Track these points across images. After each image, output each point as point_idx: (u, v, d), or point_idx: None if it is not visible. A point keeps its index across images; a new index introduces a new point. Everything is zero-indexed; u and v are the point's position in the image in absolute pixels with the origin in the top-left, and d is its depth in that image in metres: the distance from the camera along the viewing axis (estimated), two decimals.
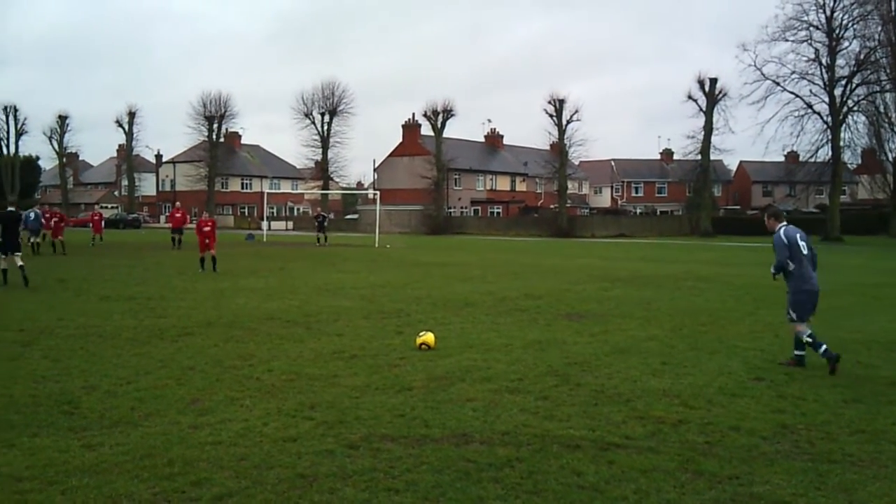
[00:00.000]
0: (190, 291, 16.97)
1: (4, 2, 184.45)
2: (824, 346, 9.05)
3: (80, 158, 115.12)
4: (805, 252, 9.37)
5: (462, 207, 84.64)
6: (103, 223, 39.49)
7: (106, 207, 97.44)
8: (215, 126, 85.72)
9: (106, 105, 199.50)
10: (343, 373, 8.74)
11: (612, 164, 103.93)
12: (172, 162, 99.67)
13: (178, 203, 40.12)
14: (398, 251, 36.73)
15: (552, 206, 78.57)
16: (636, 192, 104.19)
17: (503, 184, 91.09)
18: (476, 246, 44.94)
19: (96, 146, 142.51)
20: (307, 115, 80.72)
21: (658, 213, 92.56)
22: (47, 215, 33.11)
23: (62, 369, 8.76)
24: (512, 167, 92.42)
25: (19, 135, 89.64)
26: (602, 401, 7.57)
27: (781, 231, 9.50)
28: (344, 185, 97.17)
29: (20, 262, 18.08)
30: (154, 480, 5.20)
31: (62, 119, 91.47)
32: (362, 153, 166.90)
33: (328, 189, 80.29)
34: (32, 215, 29.93)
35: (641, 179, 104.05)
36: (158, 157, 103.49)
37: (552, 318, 13.51)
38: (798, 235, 9.46)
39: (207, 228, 23.02)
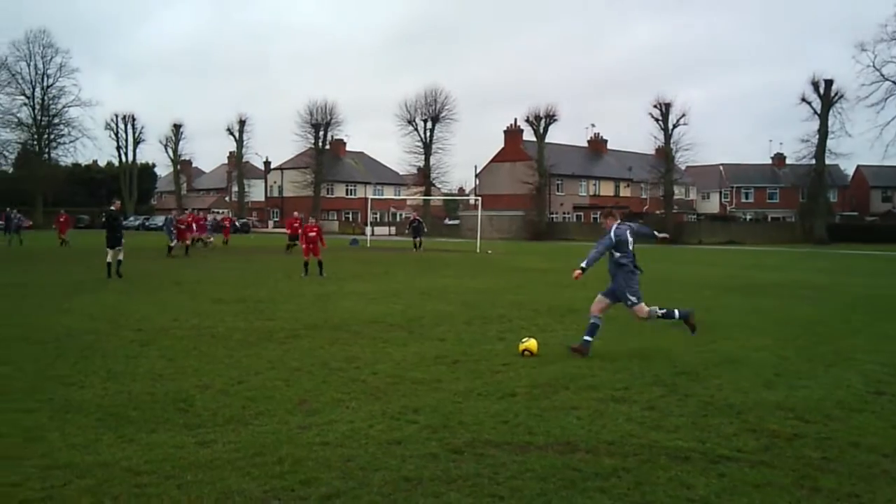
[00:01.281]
0: (297, 295, 17.39)
1: (135, 20, 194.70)
2: (676, 312, 10.93)
3: (193, 165, 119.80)
4: (631, 247, 10.78)
5: (564, 213, 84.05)
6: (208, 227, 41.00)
7: (217, 212, 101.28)
8: (321, 133, 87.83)
9: (218, 114, 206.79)
10: (446, 377, 8.78)
11: (721, 168, 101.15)
12: (280, 168, 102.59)
13: (296, 213, 41.15)
14: (499, 257, 36.73)
15: (658, 212, 77.08)
16: (746, 198, 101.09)
17: (607, 189, 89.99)
18: (579, 252, 44.23)
19: (208, 153, 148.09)
20: (410, 121, 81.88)
21: (769, 219, 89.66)
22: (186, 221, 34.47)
23: (177, 368, 9.10)
24: (616, 172, 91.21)
25: (137, 143, 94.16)
26: (711, 412, 7.35)
27: (614, 228, 10.71)
28: (445, 191, 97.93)
29: (120, 257, 21.28)
30: (265, 478, 5.34)
31: (176, 128, 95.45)
32: (464, 159, 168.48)
33: (430, 195, 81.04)
34: (165, 219, 32.78)
35: (752, 184, 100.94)
36: (267, 163, 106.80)
37: (658, 326, 13.20)
38: (628, 232, 10.80)
39: (312, 234, 23.34)
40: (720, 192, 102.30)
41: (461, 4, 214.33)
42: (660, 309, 10.85)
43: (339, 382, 8.43)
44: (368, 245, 48.59)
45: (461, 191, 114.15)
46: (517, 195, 76.38)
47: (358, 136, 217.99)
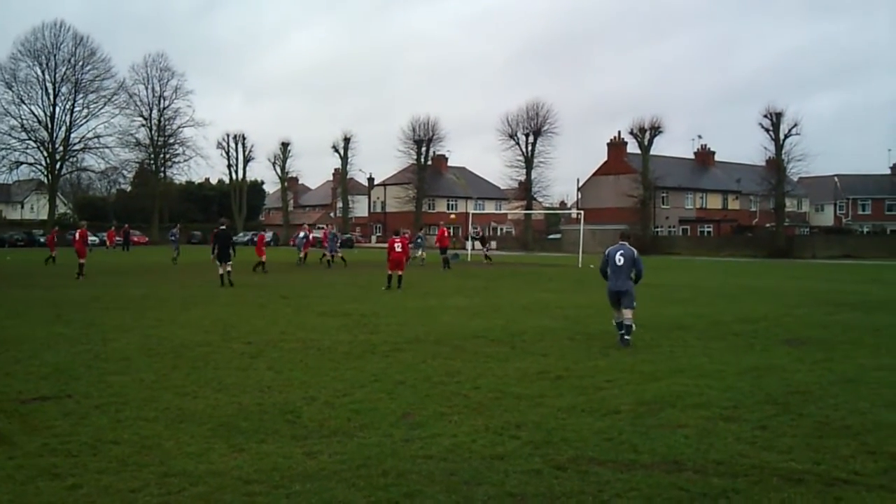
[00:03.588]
0: (399, 309, 17.59)
1: (266, 42, 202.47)
2: (623, 330, 12.55)
3: (300, 182, 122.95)
4: (619, 264, 12.66)
5: (670, 227, 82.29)
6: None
7: (322, 227, 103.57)
8: (423, 149, 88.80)
9: (326, 132, 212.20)
10: (549, 393, 8.71)
11: (836, 179, 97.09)
12: (383, 184, 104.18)
13: (441, 223, 41.86)
14: None
15: (768, 225, 74.55)
16: (863, 210, 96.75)
17: (714, 202, 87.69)
18: (685, 266, 43.46)
19: (314, 171, 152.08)
20: (512, 136, 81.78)
21: (888, 231, 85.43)
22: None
23: (285, 380, 9.34)
24: (724, 184, 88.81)
25: (247, 161, 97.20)
26: (827, 433, 7.05)
27: (607, 252, 13.06)
28: (547, 205, 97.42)
29: (228, 269, 24.04)
30: (370, 490, 5.42)
31: (284, 146, 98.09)
32: (566, 172, 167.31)
33: (531, 209, 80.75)
34: (301, 235, 37.87)
35: (869, 196, 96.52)
36: (370, 180, 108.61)
37: (770, 343, 12.78)
38: (618, 253, 12.77)
39: (399, 248, 23.27)
40: (835, 204, 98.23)
41: (579, 23, 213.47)
42: (616, 320, 12.94)
43: (441, 396, 8.48)
44: (469, 259, 48.72)
45: (563, 204, 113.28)
46: (621, 208, 75.24)
47: (463, 151, 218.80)
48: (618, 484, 5.61)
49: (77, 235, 29.25)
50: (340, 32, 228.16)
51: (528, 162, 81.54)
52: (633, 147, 79.06)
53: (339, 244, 36.77)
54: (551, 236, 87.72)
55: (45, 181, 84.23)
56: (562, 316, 16.44)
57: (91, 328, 13.92)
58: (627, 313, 12.47)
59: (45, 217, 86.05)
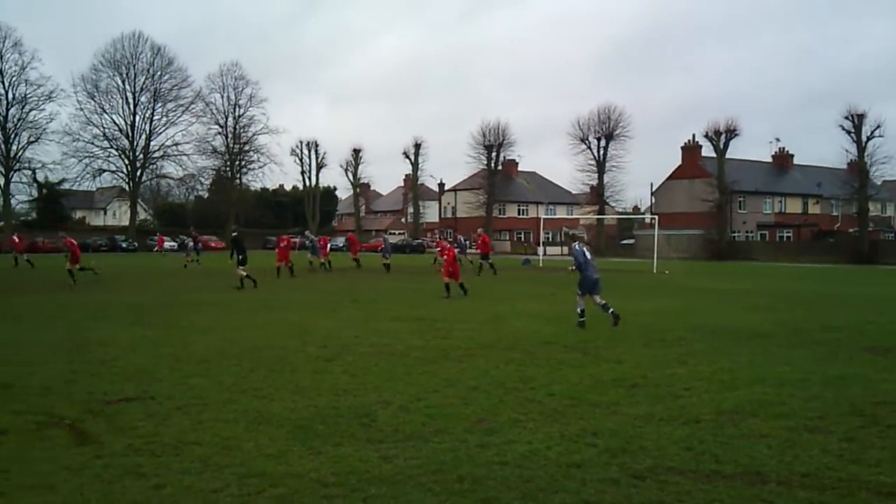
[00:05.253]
0: (471, 314, 17.58)
1: (343, 51, 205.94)
2: (584, 318, 15.32)
3: (372, 188, 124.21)
4: (589, 258, 15.55)
5: (747, 232, 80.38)
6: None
7: (393, 233, 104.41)
8: (493, 154, 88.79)
9: (397, 138, 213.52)
10: (624, 401, 8.59)
11: None
12: (454, 190, 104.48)
13: (480, 230, 41.92)
14: (677, 277, 35.61)
15: (851, 230, 72.20)
16: None
17: (793, 206, 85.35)
18: (763, 272, 42.41)
19: (386, 176, 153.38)
20: (583, 140, 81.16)
21: None
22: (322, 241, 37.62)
23: (359, 384, 9.42)
24: (803, 188, 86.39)
25: (319, 168, 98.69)
26: None
27: (576, 246, 15.74)
28: (619, 210, 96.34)
29: (245, 273, 25.52)
30: (446, 495, 5.41)
31: (356, 152, 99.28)
32: (639, 177, 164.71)
33: (603, 214, 79.95)
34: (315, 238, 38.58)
35: None
36: (441, 185, 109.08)
37: (854, 352, 12.36)
38: (584, 250, 15.61)
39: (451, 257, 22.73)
40: None
41: (657, 26, 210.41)
42: (580, 307, 15.55)
43: (515, 402, 8.44)
44: (541, 265, 48.46)
45: (636, 209, 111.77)
46: (696, 213, 73.89)
47: (534, 156, 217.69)
48: (699, 494, 5.49)
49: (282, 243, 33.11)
50: (421, 37, 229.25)
51: (600, 166, 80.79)
52: (707, 150, 77.63)
53: (389, 251, 36.89)
54: (624, 241, 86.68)
55: (127, 188, 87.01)
56: (636, 323, 16.18)
57: (171, 331, 14.29)
58: (599, 297, 15.54)
59: (126, 223, 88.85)
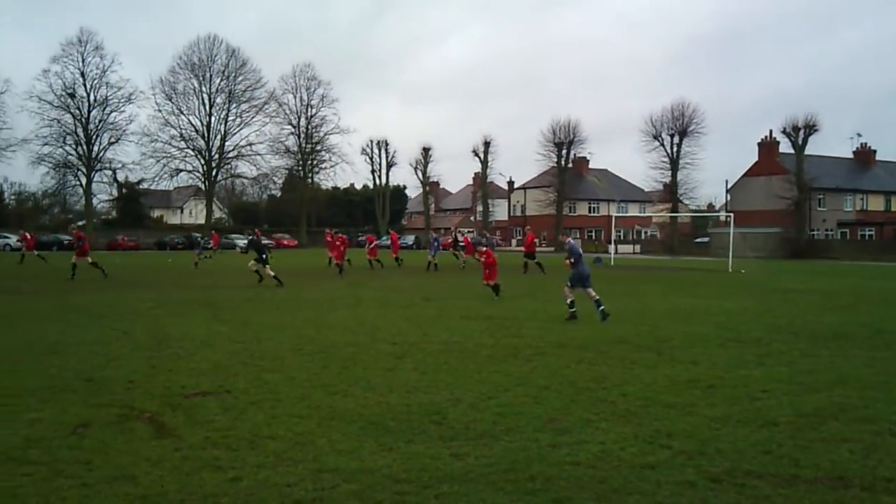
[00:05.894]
0: (541, 313, 17.47)
1: (416, 51, 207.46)
2: (574, 308, 16.25)
3: (441, 187, 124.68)
4: (581, 254, 16.67)
5: (827, 230, 78.03)
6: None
7: (462, 232, 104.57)
8: (564, 152, 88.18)
9: (467, 136, 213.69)
10: (700, 402, 8.41)
11: None
12: (523, 188, 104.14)
13: (527, 228, 41.68)
14: (754, 276, 34.75)
15: None
16: None
17: (876, 203, 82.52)
18: (844, 272, 41.08)
19: (455, 175, 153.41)
20: (656, 136, 79.94)
21: None
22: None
23: (430, 382, 9.44)
24: (887, 185, 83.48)
25: (389, 166, 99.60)
26: None
27: (570, 241, 17.70)
28: (693, 208, 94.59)
29: (272, 273, 25.64)
30: (517, 494, 5.38)
31: (426, 150, 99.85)
32: (714, 174, 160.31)
33: (677, 212, 78.64)
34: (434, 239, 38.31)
35: None
36: (510, 183, 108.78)
37: None
38: (577, 244, 17.35)
39: (491, 260, 21.74)
40: None
41: (736, 21, 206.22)
42: (569, 299, 16.49)
43: (587, 402, 8.34)
44: (612, 263, 47.91)
45: (710, 207, 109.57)
46: (773, 211, 72.10)
47: (606, 153, 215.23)
48: (778, 499, 5.34)
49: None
50: (495, 35, 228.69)
51: (674, 163, 79.43)
52: (785, 147, 75.58)
53: (437, 250, 36.67)
54: (698, 240, 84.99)
55: (203, 187, 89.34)
56: (711, 322, 15.86)
57: (246, 327, 14.56)
58: (592, 291, 16.34)
59: (202, 221, 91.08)
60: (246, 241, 37.41)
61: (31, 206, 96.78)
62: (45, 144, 77.61)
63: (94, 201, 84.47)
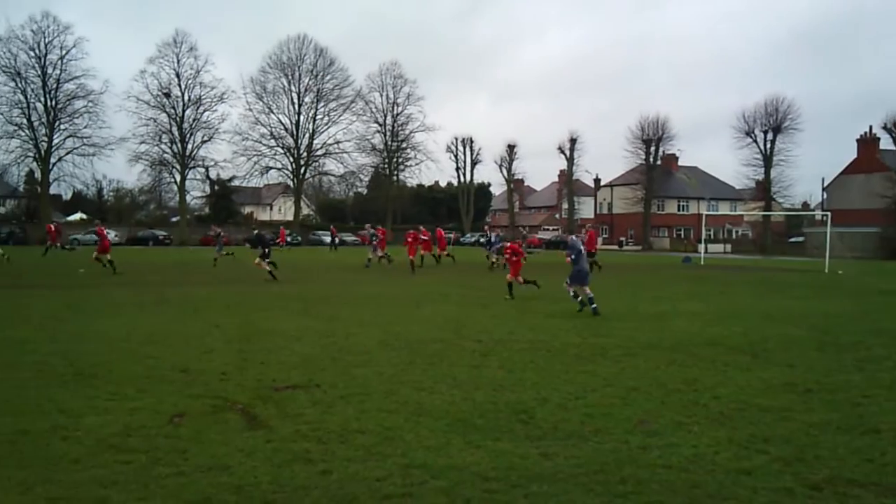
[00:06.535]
0: (630, 312, 17.20)
1: (509, 48, 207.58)
2: (580, 301, 16.83)
3: (526, 184, 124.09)
4: (581, 251, 17.16)
5: None
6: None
7: (547, 230, 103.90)
8: (652, 149, 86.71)
9: (553, 133, 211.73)
10: (797, 407, 8.12)
11: None
12: (610, 185, 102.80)
13: (587, 225, 41.03)
14: (852, 278, 33.44)
15: None
16: None
17: None
18: None
19: (540, 172, 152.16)
20: (748, 133, 77.81)
21: None
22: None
23: (516, 380, 9.39)
24: None
25: (474, 164, 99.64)
26: None
27: (572, 238, 18.13)
28: (787, 206, 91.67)
29: (269, 268, 26.75)
30: (608, 496, 5.29)
31: (511, 148, 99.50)
32: (810, 172, 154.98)
33: (770, 210, 76.38)
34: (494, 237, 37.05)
35: None
36: (597, 180, 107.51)
37: None
38: (579, 241, 17.71)
39: (515, 258, 21.11)
40: None
41: (842, 13, 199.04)
42: (573, 294, 17.34)
43: (678, 405, 8.16)
44: (702, 263, 46.85)
45: (805, 206, 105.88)
46: (872, 210, 69.21)
47: (696, 150, 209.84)
48: None
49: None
50: (591, 31, 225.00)
51: (767, 160, 77.17)
52: (886, 143, 72.48)
53: (495, 247, 36.05)
54: (792, 239, 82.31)
55: (291, 184, 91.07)
56: (807, 324, 15.32)
57: (334, 322, 14.78)
58: (587, 289, 16.72)
59: (291, 218, 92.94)
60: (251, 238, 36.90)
61: (128, 202, 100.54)
62: (142, 143, 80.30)
63: (188, 198, 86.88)
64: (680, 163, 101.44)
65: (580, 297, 16.89)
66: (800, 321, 15.93)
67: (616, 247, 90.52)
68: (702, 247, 57.30)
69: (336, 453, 6.23)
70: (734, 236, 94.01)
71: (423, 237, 36.61)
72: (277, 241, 59.91)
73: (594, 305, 16.43)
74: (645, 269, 38.64)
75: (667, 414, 7.73)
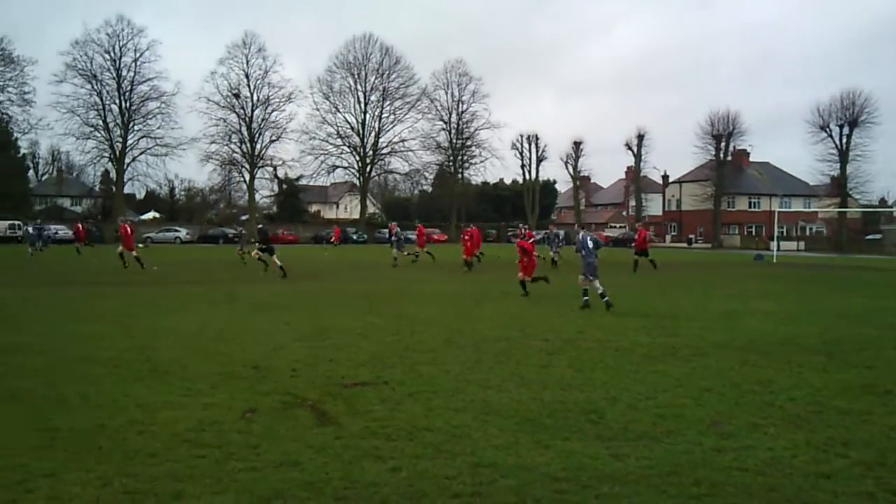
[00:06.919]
0: (700, 311, 16.89)
1: (576, 43, 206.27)
2: (586, 298, 17.33)
3: (592, 181, 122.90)
4: (591, 246, 17.50)
5: None
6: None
7: (614, 227, 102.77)
8: (722, 144, 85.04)
9: (621, 129, 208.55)
10: (877, 409, 7.85)
11: None
12: (678, 182, 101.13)
13: (638, 224, 40.13)
14: None
15: None
16: None
17: None
18: None
19: (606, 169, 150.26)
20: (823, 127, 75.64)
21: None
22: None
23: (585, 379, 9.28)
24: None
25: (539, 161, 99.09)
26: None
27: (580, 235, 18.27)
28: (864, 203, 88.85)
29: (279, 263, 27.17)
30: (682, 499, 5.19)
31: (577, 145, 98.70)
32: (888, 167, 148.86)
33: (846, 207, 74.15)
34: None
35: None
36: (665, 177, 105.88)
37: None
38: (588, 238, 17.84)
39: (525, 254, 20.36)
40: None
41: None
42: (583, 285, 17.62)
43: (752, 406, 7.96)
44: (775, 261, 45.74)
45: (883, 202, 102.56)
46: None
47: (768, 146, 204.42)
48: None
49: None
50: (661, 25, 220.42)
51: (843, 155, 74.91)
52: None
53: (559, 246, 35.23)
54: (869, 237, 79.85)
55: (357, 183, 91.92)
56: (885, 324, 14.82)
57: (399, 320, 14.84)
58: (597, 283, 17.19)
59: (357, 216, 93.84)
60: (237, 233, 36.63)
61: (199, 201, 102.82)
62: (213, 142, 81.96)
63: (257, 196, 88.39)
64: (751, 158, 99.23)
65: (587, 297, 17.31)
66: (877, 321, 15.42)
67: (685, 244, 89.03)
68: (774, 244, 55.98)
69: (405, 451, 6.24)
70: (808, 233, 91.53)
71: (465, 236, 36.01)
72: (332, 239, 60.45)
73: (586, 298, 17.19)
74: (715, 267, 37.86)
75: (741, 415, 7.55)
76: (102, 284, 23.33)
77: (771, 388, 8.83)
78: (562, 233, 37.64)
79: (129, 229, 31.24)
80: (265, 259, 28.41)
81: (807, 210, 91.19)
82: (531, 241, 24.51)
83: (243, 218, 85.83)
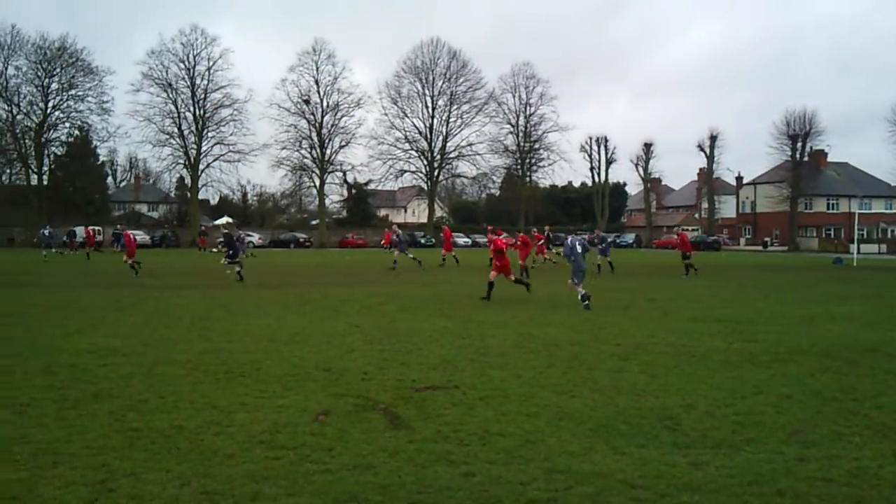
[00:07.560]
0: (778, 316, 16.45)
1: (647, 43, 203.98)
2: (585, 300, 17.72)
3: (663, 183, 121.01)
4: (579, 251, 18.29)
5: None
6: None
7: (686, 230, 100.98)
8: (798, 145, 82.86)
9: (693, 130, 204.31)
10: None
11: None
12: (753, 183, 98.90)
13: (678, 229, 39.05)
14: None
15: None
16: None
17: None
18: None
19: (678, 171, 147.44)
20: None
21: None
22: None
23: (660, 385, 9.11)
24: None
25: (609, 163, 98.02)
26: None
27: (569, 240, 18.76)
28: None
29: (238, 269, 27.22)
30: None
31: (647, 146, 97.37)
32: None
33: None
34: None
35: None
36: (739, 178, 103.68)
37: None
38: (577, 242, 18.53)
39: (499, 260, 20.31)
40: None
41: None
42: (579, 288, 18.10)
43: (836, 414, 7.70)
44: (855, 264, 44.32)
45: None
46: None
47: (850, 146, 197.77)
48: None
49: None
50: (737, 24, 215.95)
51: None
52: None
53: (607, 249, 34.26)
54: None
55: (425, 187, 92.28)
56: None
57: (469, 324, 14.82)
58: (581, 287, 17.96)
59: (424, 220, 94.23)
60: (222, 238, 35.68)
61: (270, 206, 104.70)
62: (284, 148, 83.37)
63: (327, 201, 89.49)
64: (829, 159, 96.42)
65: (588, 301, 17.61)
66: None
67: (760, 247, 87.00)
68: (854, 247, 54.24)
69: (478, 455, 6.21)
70: (890, 236, 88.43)
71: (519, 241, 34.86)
72: (382, 242, 60.79)
73: (586, 302, 17.59)
74: (792, 271, 36.89)
75: (824, 424, 7.30)
76: (177, 288, 23.89)
77: (854, 396, 8.53)
78: (610, 237, 36.82)
79: (132, 237, 31.76)
80: (232, 265, 28.25)
81: (888, 212, 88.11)
82: (517, 241, 25.50)
83: (314, 223, 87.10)
